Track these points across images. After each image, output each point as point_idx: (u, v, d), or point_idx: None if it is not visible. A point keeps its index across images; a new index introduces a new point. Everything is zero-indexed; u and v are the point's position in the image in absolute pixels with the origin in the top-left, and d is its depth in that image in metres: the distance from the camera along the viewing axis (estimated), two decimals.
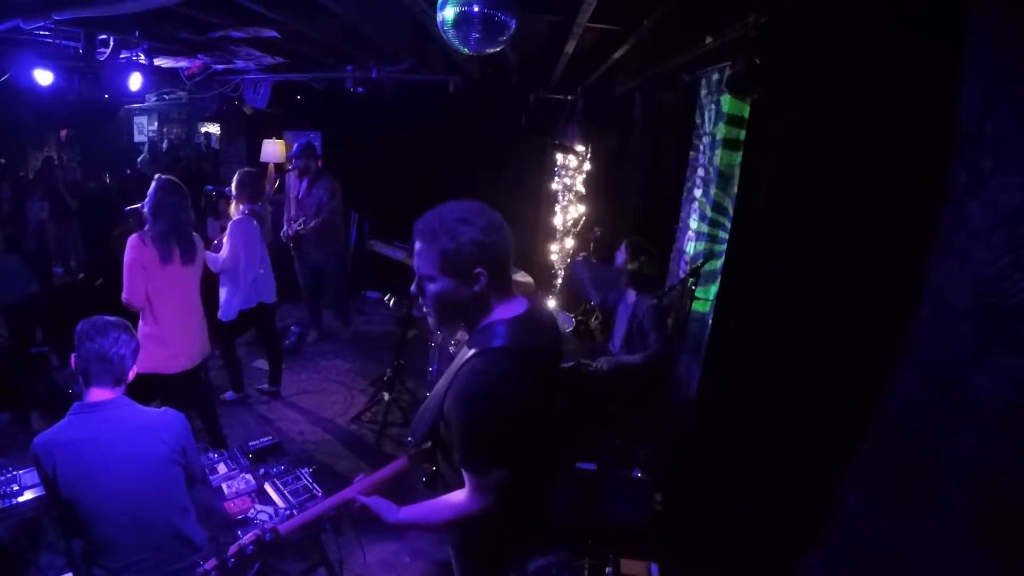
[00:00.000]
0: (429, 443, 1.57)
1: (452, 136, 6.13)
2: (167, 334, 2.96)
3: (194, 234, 3.14)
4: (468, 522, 1.44)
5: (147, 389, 3.37)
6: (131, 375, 1.93)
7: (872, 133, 2.24)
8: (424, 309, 1.48)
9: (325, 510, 1.55)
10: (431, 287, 1.42)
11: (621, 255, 3.50)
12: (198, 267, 3.17)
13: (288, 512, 2.34)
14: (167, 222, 2.94)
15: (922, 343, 2.00)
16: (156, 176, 3.05)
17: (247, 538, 1.46)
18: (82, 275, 5.54)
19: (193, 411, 3.30)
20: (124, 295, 2.88)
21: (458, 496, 1.44)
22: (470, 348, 1.44)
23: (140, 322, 2.92)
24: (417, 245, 1.42)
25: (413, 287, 1.46)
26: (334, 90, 5.38)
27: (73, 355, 1.86)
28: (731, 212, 2.95)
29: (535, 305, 1.57)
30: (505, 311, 1.45)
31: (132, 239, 2.89)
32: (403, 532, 2.98)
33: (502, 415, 1.36)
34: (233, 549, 1.45)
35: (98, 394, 1.85)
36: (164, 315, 2.96)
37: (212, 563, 1.43)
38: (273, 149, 6.51)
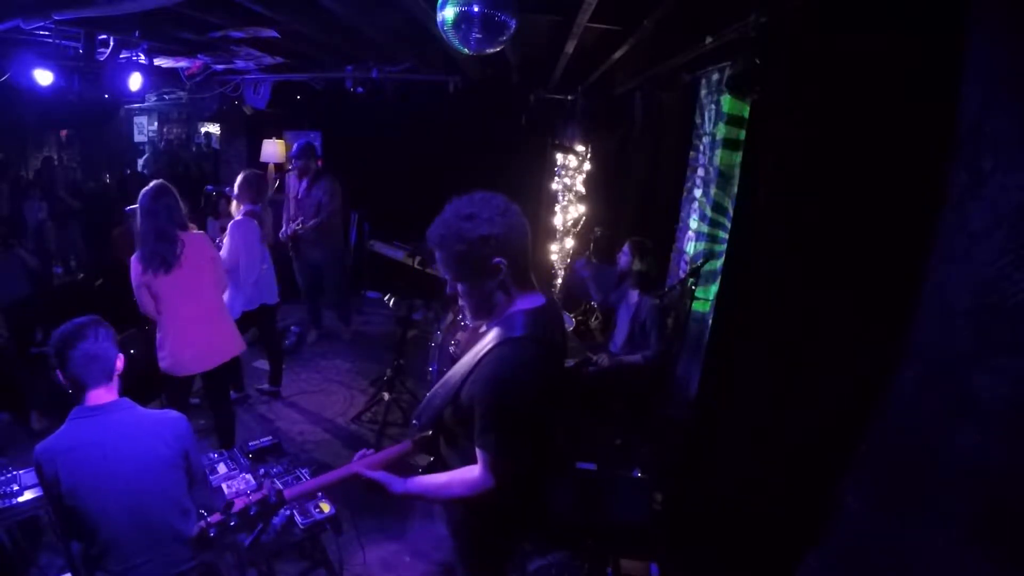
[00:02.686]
0: (431, 432, 1.60)
1: (452, 136, 6.12)
2: (186, 336, 3.04)
3: (186, 235, 3.01)
4: (475, 499, 1.49)
5: (149, 389, 3.41)
6: (119, 364, 1.89)
7: (872, 133, 2.23)
8: (461, 303, 1.58)
9: (329, 482, 1.59)
10: (459, 286, 1.52)
11: (625, 256, 3.49)
12: (197, 267, 3.05)
13: (288, 512, 2.34)
14: (147, 237, 2.89)
15: (922, 343, 1.99)
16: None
17: (252, 498, 1.46)
18: (82, 275, 5.54)
19: (216, 412, 3.38)
20: (140, 309, 3.02)
21: (470, 473, 1.49)
22: (490, 336, 1.50)
23: (158, 329, 3.03)
24: (436, 254, 1.50)
25: (448, 288, 1.55)
26: (334, 90, 5.38)
27: (57, 372, 1.81)
28: (731, 212, 2.96)
29: (552, 300, 1.62)
30: (525, 302, 1.52)
31: (132, 260, 2.92)
32: (404, 505, 2.91)
33: (526, 400, 1.43)
34: (239, 507, 1.43)
35: (97, 396, 1.84)
36: (179, 319, 3.03)
37: (216, 518, 1.40)
38: (273, 149, 6.51)
